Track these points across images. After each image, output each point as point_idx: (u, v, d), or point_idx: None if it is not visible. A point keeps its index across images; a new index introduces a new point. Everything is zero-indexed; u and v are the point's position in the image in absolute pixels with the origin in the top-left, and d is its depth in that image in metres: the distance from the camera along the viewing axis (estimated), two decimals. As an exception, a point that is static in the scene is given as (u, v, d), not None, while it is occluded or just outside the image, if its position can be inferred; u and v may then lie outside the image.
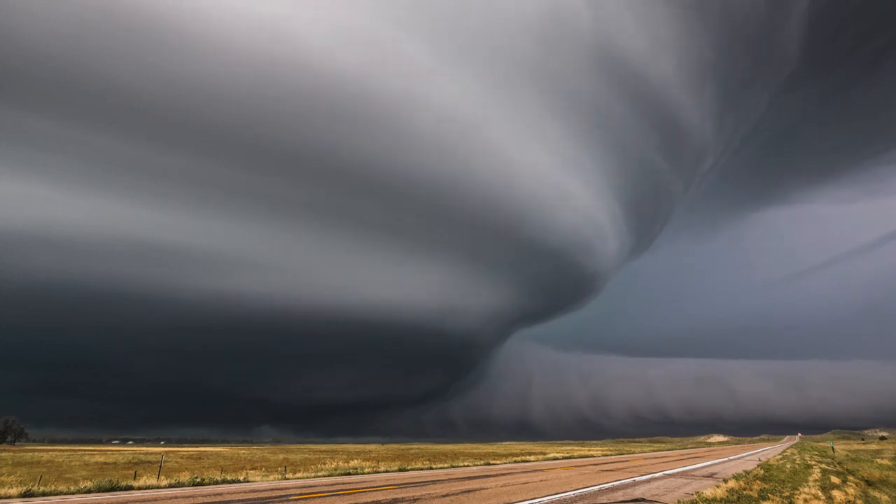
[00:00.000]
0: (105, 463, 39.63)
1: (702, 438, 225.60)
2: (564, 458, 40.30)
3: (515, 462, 32.85)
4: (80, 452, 63.54)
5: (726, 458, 36.54)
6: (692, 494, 12.98)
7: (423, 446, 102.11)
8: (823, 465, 25.84)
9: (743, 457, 39.54)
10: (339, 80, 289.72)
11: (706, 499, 11.62)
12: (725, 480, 16.39)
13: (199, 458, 48.50)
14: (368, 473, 21.98)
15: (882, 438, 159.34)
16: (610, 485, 15.80)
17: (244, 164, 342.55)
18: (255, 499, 12.53)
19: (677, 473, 21.00)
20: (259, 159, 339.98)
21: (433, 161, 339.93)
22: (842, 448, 68.43)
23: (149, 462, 40.32)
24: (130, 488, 15.57)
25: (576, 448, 77.93)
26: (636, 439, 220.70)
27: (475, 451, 63.17)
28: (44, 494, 14.18)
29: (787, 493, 13.02)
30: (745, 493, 12.74)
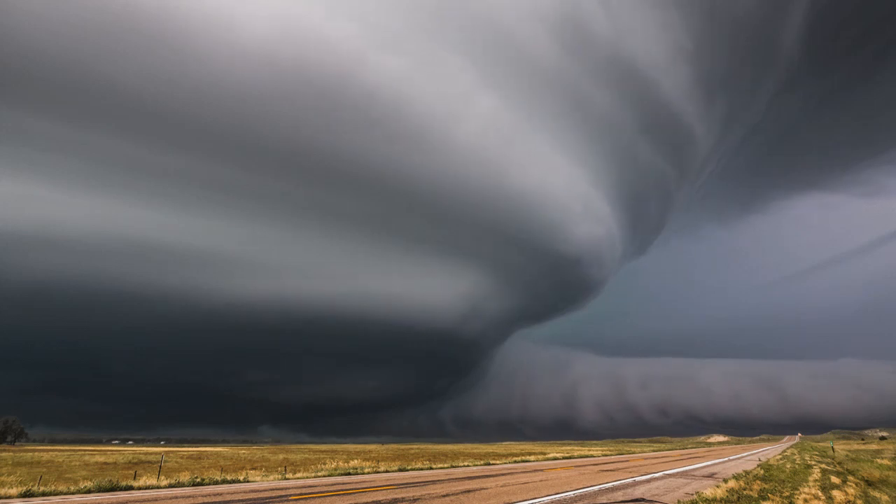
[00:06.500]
0: (105, 463, 39.63)
1: (702, 438, 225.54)
2: (564, 458, 40.27)
3: (515, 462, 32.83)
4: (80, 452, 63.55)
5: (726, 458, 36.52)
6: (692, 494, 12.97)
7: (423, 446, 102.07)
8: (823, 465, 25.82)
9: (743, 457, 39.52)
10: (341, 82, 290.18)
11: (706, 499, 11.62)
12: (725, 480, 16.38)
13: (199, 458, 48.49)
14: (368, 473, 21.97)
15: (882, 438, 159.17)
16: (610, 485, 15.80)
17: (244, 163, 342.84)
18: (255, 499, 12.52)
19: (677, 473, 20.99)
20: (259, 159, 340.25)
21: (429, 162, 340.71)
22: (842, 448, 68.41)
23: (149, 462, 40.32)
24: (130, 488, 15.57)
25: (576, 448, 77.92)
26: (636, 439, 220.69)
27: (475, 451, 63.17)
28: (44, 494, 14.17)
29: (787, 493, 13.01)
30: (745, 493, 12.73)
